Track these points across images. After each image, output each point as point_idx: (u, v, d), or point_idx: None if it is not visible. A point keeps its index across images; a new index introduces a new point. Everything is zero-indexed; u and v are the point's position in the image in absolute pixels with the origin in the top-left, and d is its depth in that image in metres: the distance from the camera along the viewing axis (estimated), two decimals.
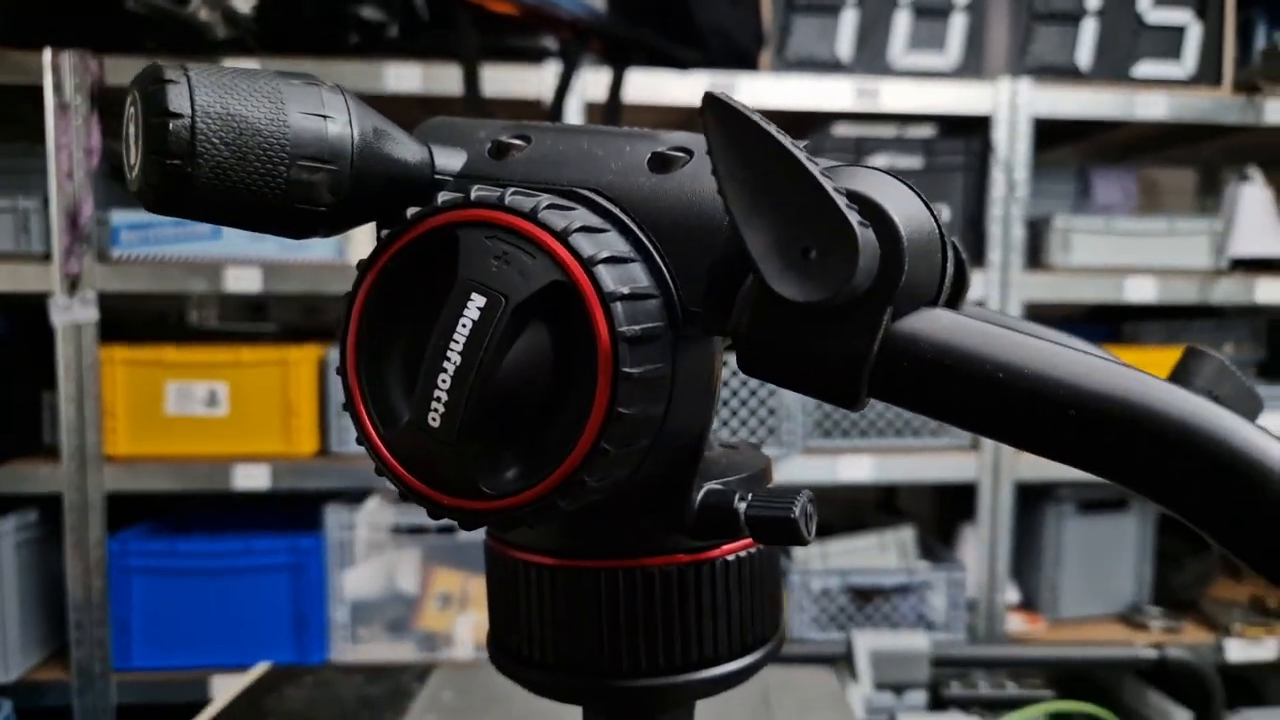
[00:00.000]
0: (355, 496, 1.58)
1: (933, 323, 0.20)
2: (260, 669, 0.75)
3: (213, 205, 0.22)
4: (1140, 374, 0.19)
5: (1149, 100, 1.57)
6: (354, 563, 1.52)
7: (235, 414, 1.50)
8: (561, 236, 0.21)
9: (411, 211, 0.23)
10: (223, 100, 0.21)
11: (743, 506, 0.25)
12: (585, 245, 0.21)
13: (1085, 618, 1.71)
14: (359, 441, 0.24)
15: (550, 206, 0.22)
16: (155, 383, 1.49)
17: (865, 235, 0.19)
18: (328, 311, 1.93)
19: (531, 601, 0.27)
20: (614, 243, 0.22)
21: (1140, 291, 1.60)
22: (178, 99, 0.21)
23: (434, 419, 0.22)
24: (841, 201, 0.19)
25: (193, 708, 0.76)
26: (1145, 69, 1.61)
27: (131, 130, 0.22)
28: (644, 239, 0.23)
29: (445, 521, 0.24)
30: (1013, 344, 0.20)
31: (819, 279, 0.19)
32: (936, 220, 0.22)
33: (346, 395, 0.24)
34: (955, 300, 0.41)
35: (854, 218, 0.19)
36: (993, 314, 0.42)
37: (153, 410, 1.49)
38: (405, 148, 0.25)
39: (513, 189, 0.22)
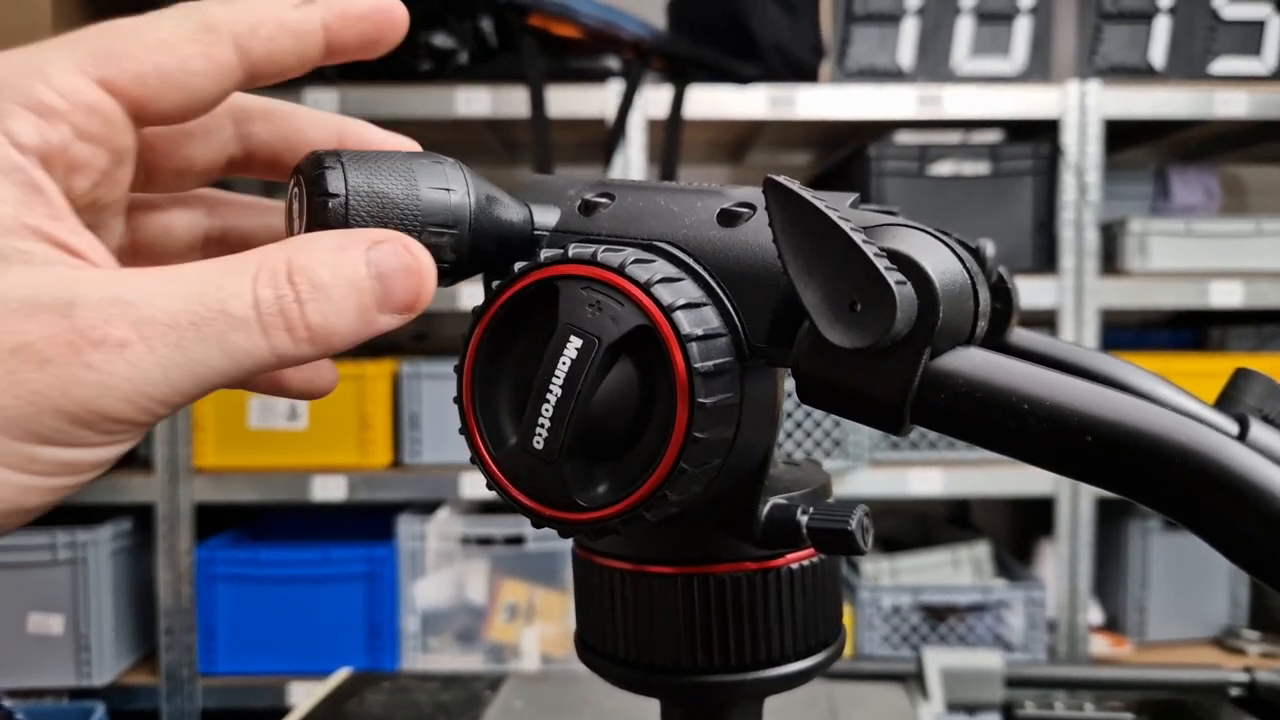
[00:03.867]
0: (426, 508, 1.62)
1: (967, 361, 0.24)
2: (341, 675, 0.77)
3: None
4: (1145, 404, 0.22)
5: (1229, 98, 1.52)
6: (425, 573, 1.55)
7: (314, 427, 1.56)
8: (645, 287, 0.25)
9: (518, 266, 0.27)
10: (369, 180, 0.25)
11: (804, 519, 0.28)
12: (665, 294, 0.25)
13: (1175, 640, 1.63)
14: (472, 461, 0.28)
15: (635, 261, 0.26)
16: (239, 396, 1.56)
17: (902, 290, 0.22)
18: (402, 326, 2.00)
19: (616, 603, 0.30)
20: (689, 290, 0.26)
21: (1226, 296, 1.53)
22: (335, 181, 0.25)
23: (538, 442, 0.26)
24: (882, 263, 0.22)
25: (271, 713, 0.79)
26: (1223, 65, 1.55)
27: (295, 206, 0.26)
28: (714, 285, 0.27)
29: (512, 532, 0.27)
30: (1036, 378, 0.23)
31: (864, 328, 0.23)
32: (968, 269, 0.25)
33: (463, 421, 0.28)
34: (1003, 326, 0.42)
35: (892, 276, 0.22)
36: (1046, 340, 0.42)
37: (237, 423, 1.56)
38: (510, 209, 0.29)
39: (604, 246, 0.27)
